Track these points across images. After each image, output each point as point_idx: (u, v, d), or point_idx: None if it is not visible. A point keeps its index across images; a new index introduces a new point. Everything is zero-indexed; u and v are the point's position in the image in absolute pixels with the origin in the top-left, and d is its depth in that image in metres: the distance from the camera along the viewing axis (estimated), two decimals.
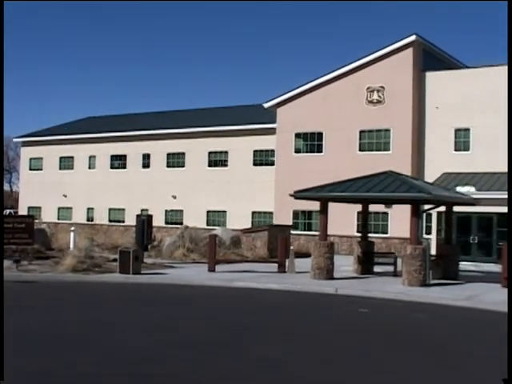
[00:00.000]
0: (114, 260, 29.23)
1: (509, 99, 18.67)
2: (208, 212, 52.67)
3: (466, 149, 42.83)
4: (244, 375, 11.52)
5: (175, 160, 54.76)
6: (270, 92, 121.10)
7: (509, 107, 35.89)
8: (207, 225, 50.89)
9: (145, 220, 36.89)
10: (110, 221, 57.32)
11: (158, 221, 50.92)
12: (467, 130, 42.84)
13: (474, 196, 34.74)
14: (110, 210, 57.57)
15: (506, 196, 38.14)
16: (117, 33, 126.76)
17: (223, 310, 19.62)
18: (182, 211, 53.61)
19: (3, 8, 17.90)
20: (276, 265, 30.65)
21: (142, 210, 49.25)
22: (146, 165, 56.12)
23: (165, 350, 13.31)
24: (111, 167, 58.34)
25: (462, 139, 43.07)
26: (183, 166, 54.34)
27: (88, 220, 57.86)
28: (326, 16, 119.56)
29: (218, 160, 52.99)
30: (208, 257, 30.90)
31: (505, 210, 38.33)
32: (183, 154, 54.34)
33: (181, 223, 49.12)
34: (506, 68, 42.68)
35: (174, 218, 53.90)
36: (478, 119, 42.20)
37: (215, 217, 52.39)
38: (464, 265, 32.69)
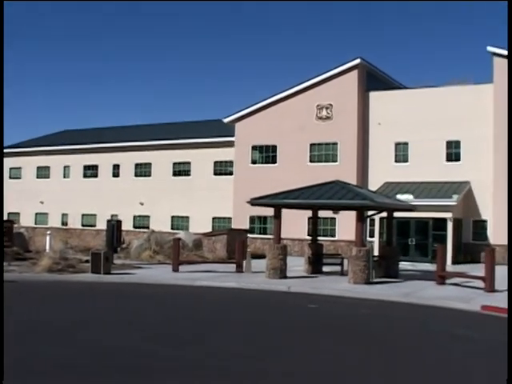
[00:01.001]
0: (87, 261, 29.13)
1: (509, 102, 18.93)
2: (172, 217, 52.56)
3: (405, 160, 43.32)
4: (198, 364, 11.65)
5: (142, 170, 54.63)
6: (230, 108, 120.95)
7: (509, 111, 35.75)
8: (171, 229, 50.74)
9: (114, 224, 36.89)
10: (83, 225, 56.97)
11: (127, 225, 50.72)
12: (406, 143, 43.35)
13: (412, 203, 35.09)
14: (82, 215, 57.23)
15: (440, 203, 38.77)
16: (85, 48, 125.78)
17: (186, 305, 19.70)
18: (148, 216, 53.45)
19: (3, 8, 17.67)
20: (234, 265, 30.74)
21: (112, 216, 48.97)
22: (115, 174, 55.88)
23: (139, 343, 13.39)
24: (84, 176, 57.98)
25: (401, 152, 43.56)
26: (150, 176, 54.18)
27: (63, 224, 57.45)
28: (280, 37, 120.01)
29: (181, 170, 52.91)
30: (172, 258, 30.90)
31: (439, 215, 38.99)
32: (150, 164, 54.21)
33: (147, 227, 49.12)
34: (438, 89, 43.50)
35: (141, 222, 53.69)
36: (416, 134, 42.71)
37: (179, 221, 52.30)
38: (403, 264, 33.00)
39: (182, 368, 11.26)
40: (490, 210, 40.60)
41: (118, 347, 12.89)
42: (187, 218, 51.92)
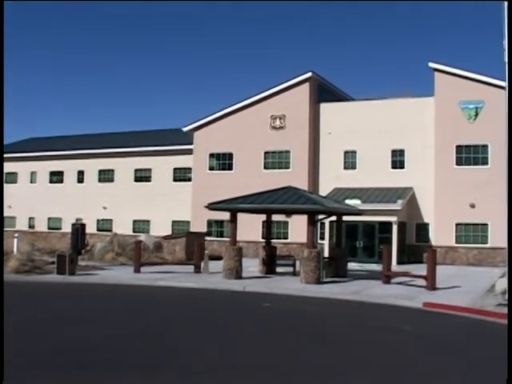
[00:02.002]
0: (52, 263, 28.82)
1: (509, 104, 19.16)
2: (134, 221, 52.26)
3: (354, 167, 43.67)
4: (156, 358, 11.62)
5: (106, 176, 54.25)
6: (188, 117, 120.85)
7: (509, 112, 36.32)
8: (133, 232, 50.41)
9: (79, 228, 36.43)
10: (49, 228, 56.35)
11: (91, 228, 50.19)
12: (354, 152, 43.71)
13: (360, 207, 35.32)
14: (48, 218, 56.61)
15: (386, 207, 39.14)
16: (50, 60, 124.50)
17: (145, 304, 19.61)
18: (111, 220, 53.06)
19: (3, 8, 17.38)
20: (193, 266, 30.65)
21: (76, 219, 48.43)
22: (80, 180, 55.41)
23: (101, 338, 13.30)
24: (50, 182, 57.34)
25: (350, 160, 43.90)
26: (113, 181, 53.83)
27: (29, 228, 56.75)
28: (236, 52, 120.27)
29: (142, 176, 52.66)
30: (134, 260, 30.75)
31: (384, 219, 39.34)
32: (113, 170, 53.87)
33: (110, 230, 48.73)
34: (384, 101, 44.01)
35: (104, 226, 53.24)
36: (363, 143, 43.13)
37: (140, 225, 52.00)
38: (352, 265, 33.20)
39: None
40: (432, 214, 41.16)
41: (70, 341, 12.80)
42: (148, 221, 51.68)
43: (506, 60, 21.36)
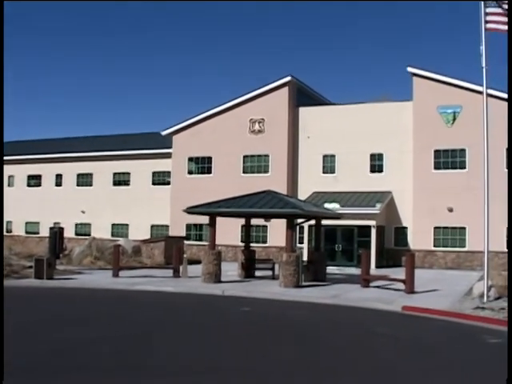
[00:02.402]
0: (30, 267, 28.61)
1: (509, 105, 19.31)
2: (113, 225, 52.05)
3: (332, 171, 43.79)
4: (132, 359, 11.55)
5: (84, 180, 54.00)
6: (167, 120, 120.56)
7: (509, 112, 36.45)
8: (112, 236, 50.23)
9: (57, 232, 36.31)
10: (27, 232, 56.01)
11: (69, 232, 50.02)
12: (333, 156, 43.83)
13: (339, 211, 35.44)
14: (26, 223, 56.28)
15: (365, 211, 39.26)
16: (26, 62, 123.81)
17: (123, 309, 19.51)
18: (90, 224, 52.82)
19: (3, 8, 17.20)
20: (172, 270, 30.54)
21: (54, 223, 48.17)
22: (58, 183, 55.11)
23: (87, 343, 13.21)
24: (28, 185, 56.99)
25: (328, 164, 44.01)
26: (91, 185, 53.61)
27: (7, 231, 56.20)
28: (216, 54, 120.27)
29: (121, 180, 52.50)
30: (112, 264, 30.64)
31: (363, 222, 39.48)
32: (91, 174, 53.65)
33: (89, 235, 48.56)
34: (363, 105, 44.16)
35: (83, 230, 52.99)
36: (342, 147, 43.27)
37: (119, 229, 51.80)
38: (331, 269, 33.26)
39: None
40: (410, 218, 41.34)
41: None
42: (127, 225, 51.51)
43: (484, 65, 21.56)
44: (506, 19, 21.09)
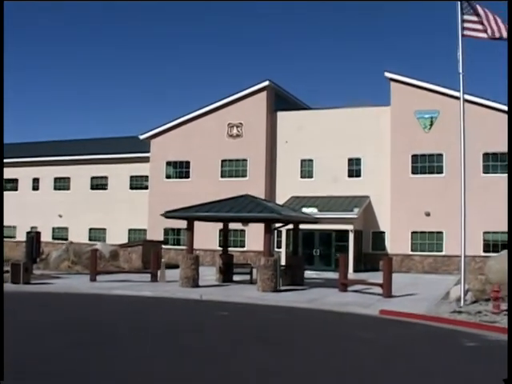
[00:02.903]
0: (7, 271, 28.36)
1: (509, 105, 19.40)
2: (90, 229, 51.78)
3: (310, 176, 43.90)
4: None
5: (62, 183, 53.68)
6: (145, 124, 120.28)
7: (509, 112, 36.52)
8: (89, 240, 49.96)
9: (34, 236, 36.10)
10: (3, 237, 55.54)
11: (46, 237, 49.66)
12: (311, 160, 43.94)
13: (317, 216, 35.51)
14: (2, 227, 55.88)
15: (342, 216, 39.38)
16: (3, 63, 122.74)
17: (100, 314, 19.40)
18: (67, 228, 52.49)
19: (3, 8, 17.06)
20: (149, 275, 30.46)
21: (31, 228, 47.87)
22: (35, 187, 54.74)
23: (72, 348, 13.12)
24: (4, 189, 56.55)
25: (306, 168, 44.12)
26: (69, 189, 53.28)
27: None
28: (193, 59, 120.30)
29: (99, 184, 52.27)
30: (90, 268, 30.51)
31: (341, 227, 39.59)
32: (69, 178, 53.34)
33: (66, 239, 48.23)
34: (341, 110, 44.34)
35: (60, 234, 52.66)
36: (320, 152, 43.39)
37: (96, 233, 51.54)
38: (308, 273, 33.29)
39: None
40: (388, 222, 41.52)
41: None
42: (104, 229, 51.26)
43: (461, 70, 21.75)
44: (482, 27, 21.32)
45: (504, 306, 20.19)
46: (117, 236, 48.96)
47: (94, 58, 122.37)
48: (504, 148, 38.55)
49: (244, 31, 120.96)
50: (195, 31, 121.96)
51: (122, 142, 54.12)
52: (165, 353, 13.07)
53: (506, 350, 14.27)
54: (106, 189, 51.94)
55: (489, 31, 21.11)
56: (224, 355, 13.03)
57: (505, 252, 30.98)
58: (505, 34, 20.81)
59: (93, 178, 52.50)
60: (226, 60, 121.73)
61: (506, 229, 38.14)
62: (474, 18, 21.45)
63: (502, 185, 38.53)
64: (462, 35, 21.56)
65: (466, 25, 21.52)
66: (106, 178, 51.99)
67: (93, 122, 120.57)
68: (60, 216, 52.62)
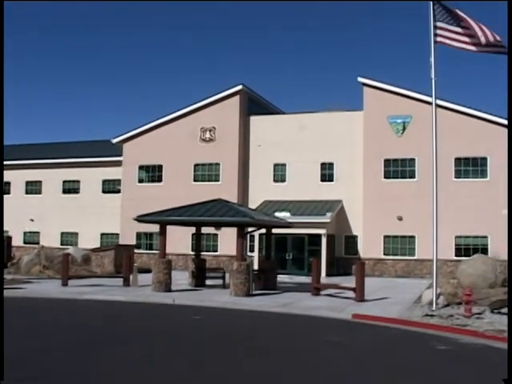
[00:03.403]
0: None
1: (509, 105, 19.44)
2: (62, 233, 51.42)
3: (283, 180, 43.97)
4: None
5: (33, 187, 53.24)
6: (118, 128, 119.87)
7: (509, 113, 36.72)
8: (61, 244, 49.60)
9: (5, 240, 35.74)
10: None
11: (17, 241, 49.35)
12: (284, 164, 44.02)
13: (289, 220, 35.51)
14: None
15: (315, 220, 39.47)
16: None
17: (70, 318, 19.23)
18: (38, 233, 52.07)
19: (3, 8, 16.85)
20: (122, 279, 30.31)
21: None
22: (6, 191, 54.16)
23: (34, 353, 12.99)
24: None
25: (279, 172, 44.19)
26: (40, 193, 52.88)
27: None
28: (165, 61, 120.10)
29: (71, 188, 51.93)
30: (61, 273, 30.26)
31: (314, 231, 39.68)
32: (40, 182, 52.94)
33: (38, 243, 47.87)
34: (314, 115, 44.50)
35: (31, 238, 52.23)
36: (293, 156, 43.49)
37: (68, 237, 51.21)
38: (281, 277, 33.32)
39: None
40: (360, 226, 41.70)
41: None
42: (76, 234, 50.94)
43: (433, 76, 21.91)
44: (455, 36, 21.50)
45: (475, 309, 20.40)
46: (89, 240, 48.67)
47: (66, 61, 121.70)
48: (475, 153, 39.07)
49: (219, 36, 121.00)
50: (171, 35, 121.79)
51: (94, 146, 53.84)
52: (136, 356, 13.01)
53: (478, 353, 14.47)
54: (78, 193, 51.64)
55: (463, 42, 21.33)
56: (194, 361, 12.97)
57: (476, 256, 31.33)
58: (489, 39, 20.94)
59: (65, 182, 52.17)
60: (199, 65, 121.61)
61: (477, 233, 38.73)
62: (448, 26, 21.62)
63: (473, 189, 39.03)
64: (435, 42, 21.74)
65: (439, 32, 21.70)
66: (78, 181, 51.68)
67: (65, 125, 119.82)
68: (32, 220, 52.20)
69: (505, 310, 20.37)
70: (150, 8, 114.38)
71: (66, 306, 23.16)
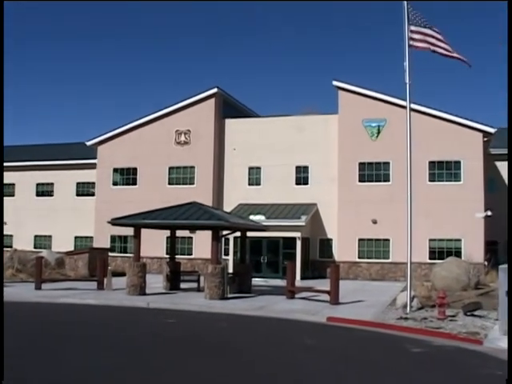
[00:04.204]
0: None
1: (509, 105, 19.52)
2: (35, 236, 51.05)
3: (258, 183, 43.96)
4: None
5: (6, 190, 52.67)
6: (92, 131, 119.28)
7: (509, 114, 36.70)
8: (35, 248, 49.22)
9: None
10: None
11: None
12: (259, 168, 44.02)
13: (264, 223, 35.55)
14: None
15: (290, 223, 39.51)
16: None
17: (43, 322, 19.07)
18: (11, 236, 51.62)
19: (3, 8, 16.67)
20: (96, 283, 30.15)
21: None
22: None
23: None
24: None
25: (254, 176, 44.17)
26: (14, 196, 52.42)
27: None
28: (140, 64, 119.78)
29: (45, 190, 51.60)
30: (35, 276, 30.03)
31: (289, 234, 39.70)
32: (13, 184, 52.50)
33: (11, 246, 47.41)
34: (289, 118, 44.60)
35: (4, 242, 51.75)
36: (268, 159, 43.50)
37: (42, 241, 50.84)
38: (256, 281, 33.33)
39: None
40: (335, 230, 41.80)
41: None
42: (50, 237, 50.61)
43: (407, 80, 22.06)
44: (429, 39, 21.70)
45: (449, 312, 20.55)
46: (63, 243, 48.38)
47: (39, 61, 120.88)
48: (449, 157, 39.35)
49: (195, 38, 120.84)
50: (147, 38, 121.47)
51: (68, 149, 53.55)
52: (108, 358, 12.94)
53: (452, 355, 14.56)
54: (51, 195, 51.31)
55: (436, 46, 21.57)
56: (163, 363, 12.94)
57: (450, 259, 31.63)
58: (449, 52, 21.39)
59: (38, 185, 51.81)
60: (175, 68, 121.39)
61: (451, 236, 38.98)
62: (423, 30, 21.80)
63: (447, 192, 39.29)
64: (409, 46, 21.90)
65: (414, 36, 21.85)
66: (51, 184, 51.35)
67: (39, 127, 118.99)
68: (5, 223, 51.74)
69: (478, 313, 20.57)
70: (125, 8, 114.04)
71: (37, 309, 22.97)
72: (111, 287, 29.48)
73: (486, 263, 35.63)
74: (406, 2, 22.17)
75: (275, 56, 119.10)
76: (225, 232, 31.38)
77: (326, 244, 42.52)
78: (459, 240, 39.03)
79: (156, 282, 31.71)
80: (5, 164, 52.31)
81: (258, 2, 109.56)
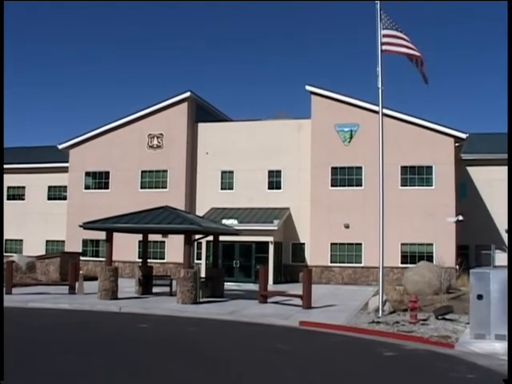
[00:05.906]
0: None
1: (509, 105, 19.48)
2: (6, 240, 50.53)
3: (231, 188, 43.89)
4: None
5: None
6: (64, 134, 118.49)
7: (509, 114, 36.68)
8: (5, 252, 48.70)
9: None
10: None
11: None
12: (231, 172, 43.95)
13: (237, 227, 35.51)
14: None
15: (263, 227, 39.50)
16: None
17: (12, 327, 18.86)
18: None
19: (3, 8, 16.46)
20: (67, 287, 29.91)
21: None
22: None
23: None
24: None
25: (227, 180, 44.11)
26: None
27: None
28: (114, 68, 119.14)
29: (15, 194, 51.10)
30: (6, 281, 29.68)
31: (261, 239, 39.73)
32: None
33: None
34: (262, 122, 44.64)
35: None
36: (241, 163, 43.48)
37: (12, 245, 50.33)
38: (229, 285, 33.29)
39: None
40: (307, 234, 41.85)
41: None
42: (21, 241, 50.13)
43: (380, 85, 22.16)
44: (401, 42, 21.83)
45: (421, 315, 20.65)
46: (33, 247, 47.94)
47: (15, 63, 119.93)
48: (421, 161, 39.60)
49: (168, 43, 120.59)
50: (121, 42, 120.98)
51: (40, 152, 53.11)
52: (73, 364, 12.82)
53: (423, 359, 14.62)
54: (22, 199, 50.84)
55: (408, 50, 21.74)
56: (136, 367, 12.85)
57: (422, 263, 31.83)
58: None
59: (9, 188, 51.25)
60: (148, 73, 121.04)
61: (422, 240, 39.22)
62: (394, 33, 21.92)
63: (419, 197, 39.54)
64: (382, 50, 22.00)
65: (386, 39, 21.96)
66: (22, 188, 50.88)
67: (9, 130, 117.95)
68: None
69: (449, 316, 20.70)
70: (98, 12, 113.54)
71: (8, 314, 22.71)
72: (83, 291, 29.26)
73: (457, 267, 35.87)
74: (378, 4, 22.27)
75: (249, 60, 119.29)
76: (197, 236, 31.28)
77: (299, 248, 42.56)
78: (431, 244, 39.26)
79: (128, 286, 31.52)
80: None
81: (232, 6, 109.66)
